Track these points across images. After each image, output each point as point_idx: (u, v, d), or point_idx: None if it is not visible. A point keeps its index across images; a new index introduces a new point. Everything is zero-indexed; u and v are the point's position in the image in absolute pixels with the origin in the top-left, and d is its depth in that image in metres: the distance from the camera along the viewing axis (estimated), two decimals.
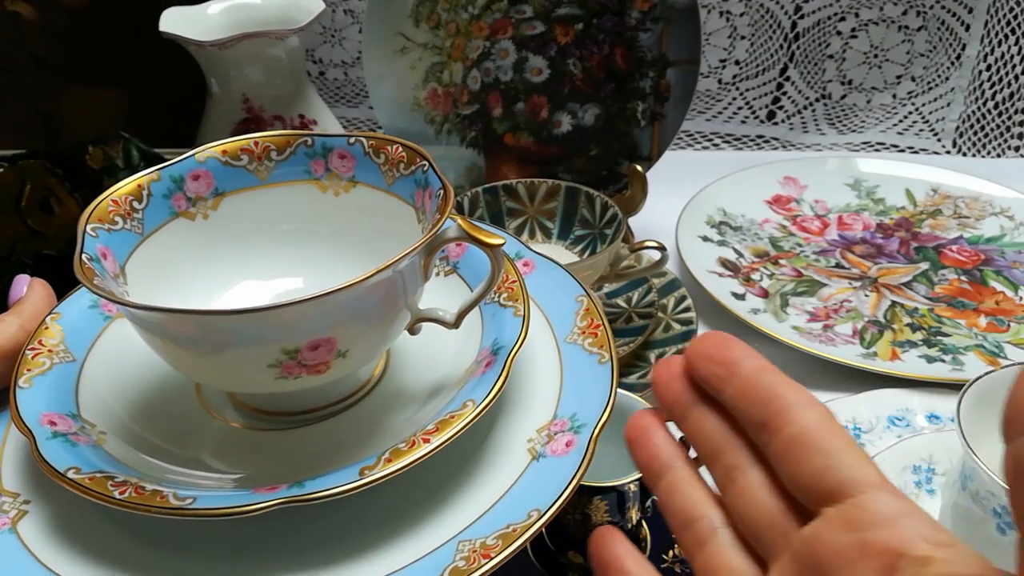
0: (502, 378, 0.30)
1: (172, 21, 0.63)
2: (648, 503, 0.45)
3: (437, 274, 0.32)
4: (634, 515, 0.44)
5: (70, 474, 0.27)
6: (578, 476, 0.28)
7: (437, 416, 0.29)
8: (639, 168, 0.68)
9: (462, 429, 0.28)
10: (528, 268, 0.37)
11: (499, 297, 0.34)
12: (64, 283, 0.36)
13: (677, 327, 0.63)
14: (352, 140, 0.34)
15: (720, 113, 0.92)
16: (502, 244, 0.30)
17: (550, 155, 0.76)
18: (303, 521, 0.29)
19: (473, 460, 0.31)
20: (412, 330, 0.33)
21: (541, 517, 0.27)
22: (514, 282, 0.34)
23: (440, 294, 0.33)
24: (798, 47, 0.87)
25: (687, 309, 0.64)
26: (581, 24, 0.72)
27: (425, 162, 0.32)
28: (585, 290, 0.36)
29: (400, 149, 0.33)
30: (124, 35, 0.75)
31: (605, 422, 0.30)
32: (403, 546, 0.28)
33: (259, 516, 0.26)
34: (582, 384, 0.32)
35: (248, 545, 0.29)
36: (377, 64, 0.72)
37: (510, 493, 0.29)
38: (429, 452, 0.27)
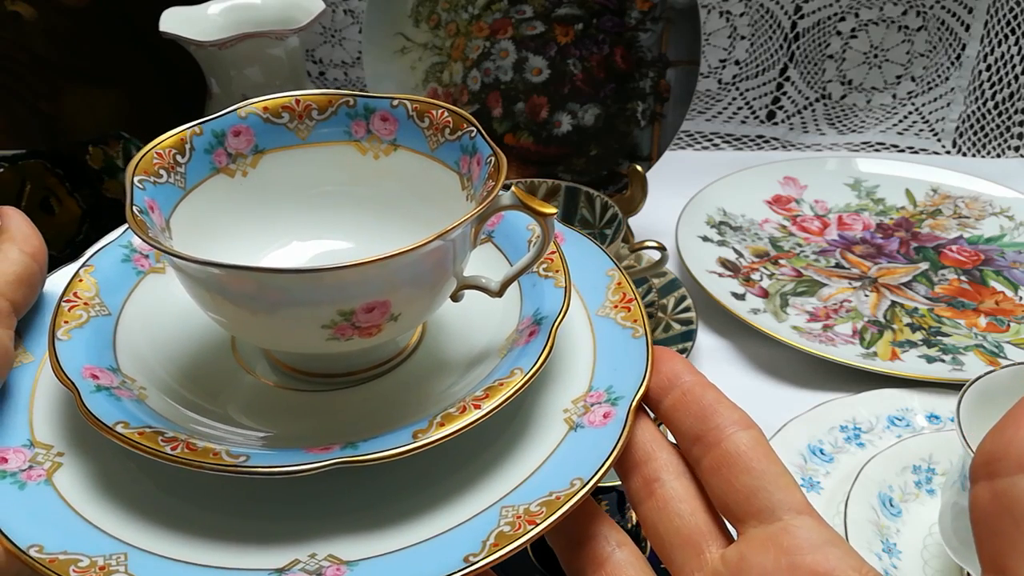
0: (548, 347, 0.30)
1: (172, 21, 0.63)
2: None
3: None
4: (634, 515, 0.45)
5: (119, 428, 0.27)
6: (619, 447, 0.28)
7: (484, 383, 0.29)
8: (639, 168, 0.69)
9: (512, 395, 0.28)
10: (558, 239, 0.37)
11: (538, 268, 0.34)
12: None
13: (677, 327, 0.63)
14: (396, 103, 0.34)
15: (720, 113, 0.92)
16: (555, 214, 0.30)
17: (550, 155, 0.76)
18: (345, 484, 0.29)
19: (510, 429, 0.31)
20: (456, 297, 0.33)
21: (584, 486, 0.27)
22: (553, 253, 0.34)
23: (474, 262, 0.33)
24: (798, 47, 0.87)
25: (687, 309, 0.64)
26: (581, 24, 0.72)
27: (472, 128, 0.32)
28: (615, 264, 0.36)
29: (446, 114, 0.33)
30: (124, 35, 0.75)
31: (643, 395, 0.30)
32: (446, 510, 0.28)
33: (301, 478, 0.26)
34: (616, 357, 0.32)
35: (286, 506, 0.29)
36: (377, 64, 0.73)
37: (550, 461, 0.29)
38: (481, 417, 0.27)
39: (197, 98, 0.69)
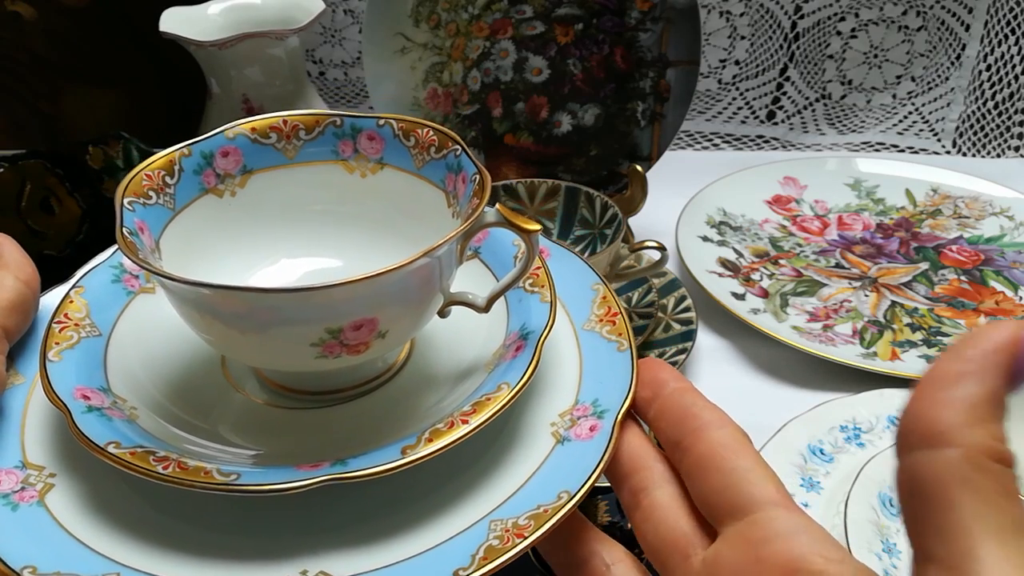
0: (534, 361, 0.30)
1: (172, 21, 0.63)
2: None
3: None
4: None
5: (110, 449, 0.27)
6: (605, 459, 0.29)
7: (471, 398, 0.29)
8: (639, 168, 0.69)
9: (500, 410, 0.28)
10: (543, 255, 0.38)
11: (524, 283, 0.34)
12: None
13: (677, 327, 0.63)
14: (382, 122, 0.34)
15: (720, 113, 0.92)
16: (539, 231, 0.30)
17: (550, 155, 0.76)
18: (335, 500, 0.29)
19: (498, 443, 0.31)
20: (443, 313, 0.33)
21: (571, 499, 0.28)
22: (539, 268, 0.34)
23: (460, 278, 0.33)
24: (798, 47, 0.87)
25: (687, 309, 0.64)
26: (581, 24, 0.72)
27: (458, 147, 0.32)
28: (600, 278, 0.36)
29: (431, 132, 0.33)
30: (124, 35, 0.75)
31: (628, 408, 0.30)
32: (435, 525, 0.28)
33: (291, 495, 0.26)
34: (601, 371, 0.33)
35: (277, 523, 0.29)
36: (377, 64, 0.73)
37: (538, 475, 0.29)
38: (469, 432, 0.28)
39: (197, 98, 0.69)
